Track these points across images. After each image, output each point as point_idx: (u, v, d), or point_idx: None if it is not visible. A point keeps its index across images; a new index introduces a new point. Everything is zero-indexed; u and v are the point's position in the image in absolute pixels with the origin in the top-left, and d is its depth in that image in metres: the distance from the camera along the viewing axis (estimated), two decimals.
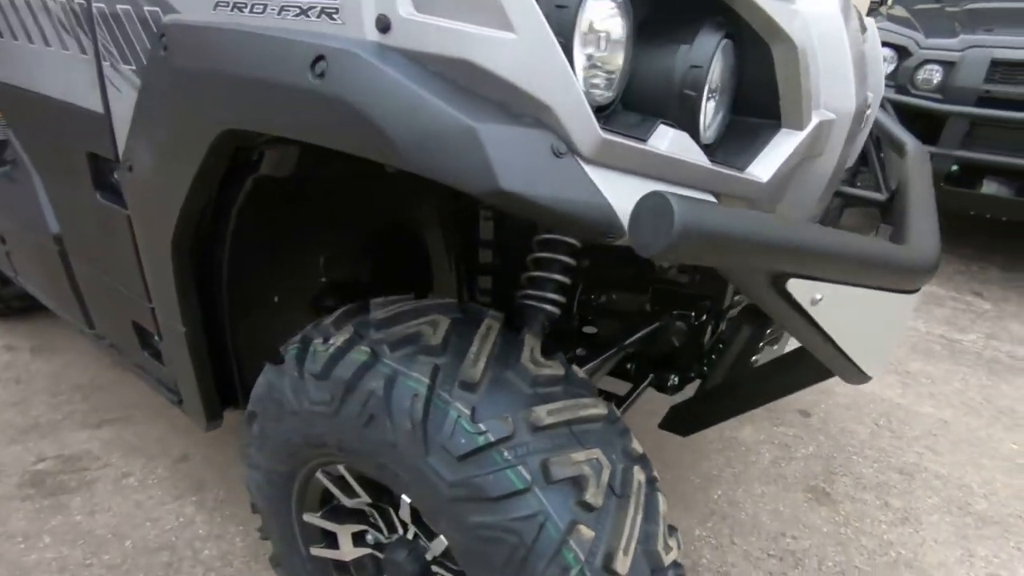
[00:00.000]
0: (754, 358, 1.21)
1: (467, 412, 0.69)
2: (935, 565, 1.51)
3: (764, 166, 0.73)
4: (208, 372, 1.07)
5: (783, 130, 0.76)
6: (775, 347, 1.25)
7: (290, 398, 0.85)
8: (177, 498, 1.55)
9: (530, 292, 1.03)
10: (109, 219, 1.06)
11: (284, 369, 0.87)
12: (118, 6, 0.82)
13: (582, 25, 0.56)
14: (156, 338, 1.17)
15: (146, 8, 0.79)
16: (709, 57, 0.65)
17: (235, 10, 0.69)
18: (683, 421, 1.21)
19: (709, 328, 1.29)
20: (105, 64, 0.90)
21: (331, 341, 0.81)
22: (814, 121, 0.76)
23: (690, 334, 1.29)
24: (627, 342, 1.20)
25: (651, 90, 0.66)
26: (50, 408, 1.86)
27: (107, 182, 1.06)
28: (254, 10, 0.67)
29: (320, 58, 0.59)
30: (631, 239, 0.51)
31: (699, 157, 0.66)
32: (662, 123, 0.63)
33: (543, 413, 0.71)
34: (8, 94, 1.20)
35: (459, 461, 0.68)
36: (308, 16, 0.62)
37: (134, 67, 0.85)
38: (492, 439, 0.68)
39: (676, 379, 1.39)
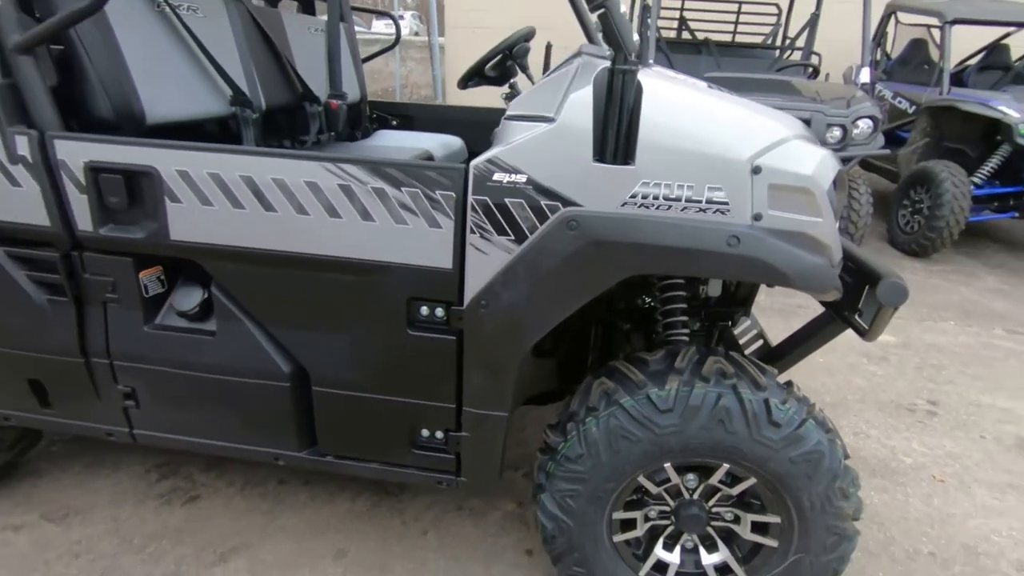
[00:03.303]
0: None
1: (777, 402, 1.30)
2: None
3: None
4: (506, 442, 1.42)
5: None
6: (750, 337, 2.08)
7: (634, 432, 1.33)
8: None
9: (672, 332, 1.65)
10: (423, 347, 1.33)
11: (619, 416, 1.33)
12: (508, 201, 1.18)
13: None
14: (436, 434, 1.45)
15: (543, 203, 1.18)
16: None
17: (642, 208, 1.16)
18: None
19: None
20: (472, 236, 1.22)
21: (667, 389, 1.31)
22: None
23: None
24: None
25: None
26: (151, 562, 1.73)
27: (419, 319, 1.33)
28: (660, 208, 1.16)
29: (734, 236, 1.14)
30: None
31: None
32: None
33: (796, 390, 1.36)
34: (257, 258, 1.32)
35: (780, 427, 1.29)
36: (706, 212, 1.16)
37: (512, 237, 1.21)
38: (793, 411, 1.30)
39: None
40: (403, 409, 1.42)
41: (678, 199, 1.16)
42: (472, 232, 1.23)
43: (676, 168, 1.15)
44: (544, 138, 1.16)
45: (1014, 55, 5.99)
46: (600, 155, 1.15)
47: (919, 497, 2.20)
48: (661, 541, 1.51)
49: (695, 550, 1.52)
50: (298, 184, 1.25)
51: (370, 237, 1.26)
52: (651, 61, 4.97)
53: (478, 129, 2.99)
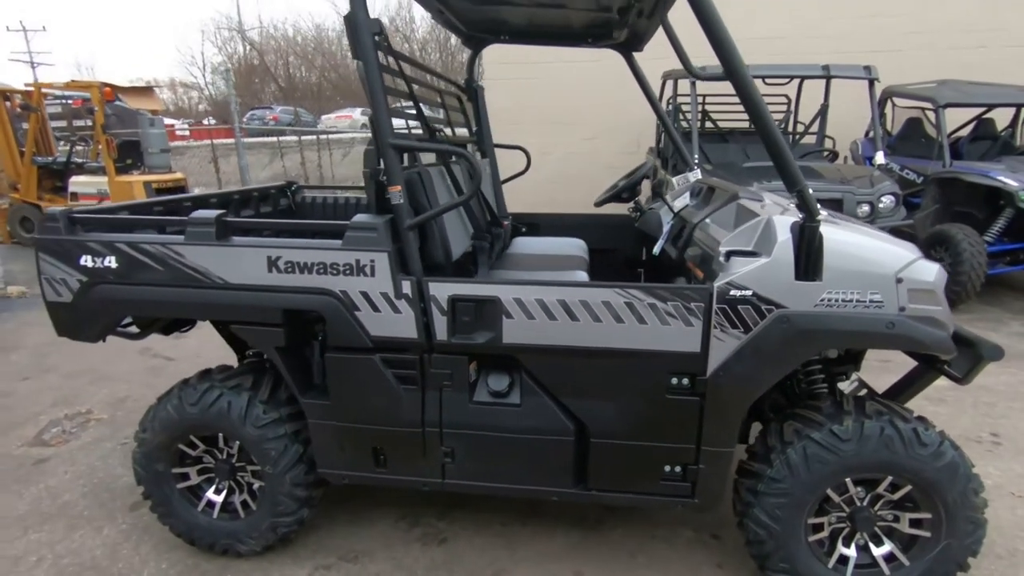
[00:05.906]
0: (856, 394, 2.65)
1: (921, 428, 1.92)
2: None
3: None
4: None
5: None
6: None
7: (825, 456, 1.94)
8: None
9: (815, 385, 2.30)
10: (676, 406, 1.96)
11: (812, 446, 1.94)
12: (740, 307, 1.86)
13: None
14: (676, 468, 2.05)
15: (763, 307, 1.85)
16: None
17: (828, 307, 1.83)
18: None
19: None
20: (715, 330, 1.88)
21: (845, 425, 1.93)
22: None
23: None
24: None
25: None
26: None
27: (673, 386, 1.97)
28: (839, 307, 1.83)
29: (891, 322, 1.80)
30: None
31: None
32: None
33: (929, 421, 1.98)
34: (561, 352, 1.97)
35: (927, 446, 1.90)
36: (868, 308, 1.83)
37: (741, 330, 1.87)
38: (933, 434, 1.92)
39: None
40: (658, 451, 2.03)
41: (850, 300, 1.83)
42: (714, 328, 1.89)
43: (848, 282, 1.83)
44: (764, 267, 1.85)
45: (999, 125, 6.93)
46: (800, 275, 1.84)
47: (1005, 509, 2.75)
48: (841, 539, 2.08)
49: (866, 546, 2.08)
50: (596, 303, 1.93)
51: (643, 334, 1.93)
52: (696, 158, 5.84)
53: (591, 231, 3.74)
